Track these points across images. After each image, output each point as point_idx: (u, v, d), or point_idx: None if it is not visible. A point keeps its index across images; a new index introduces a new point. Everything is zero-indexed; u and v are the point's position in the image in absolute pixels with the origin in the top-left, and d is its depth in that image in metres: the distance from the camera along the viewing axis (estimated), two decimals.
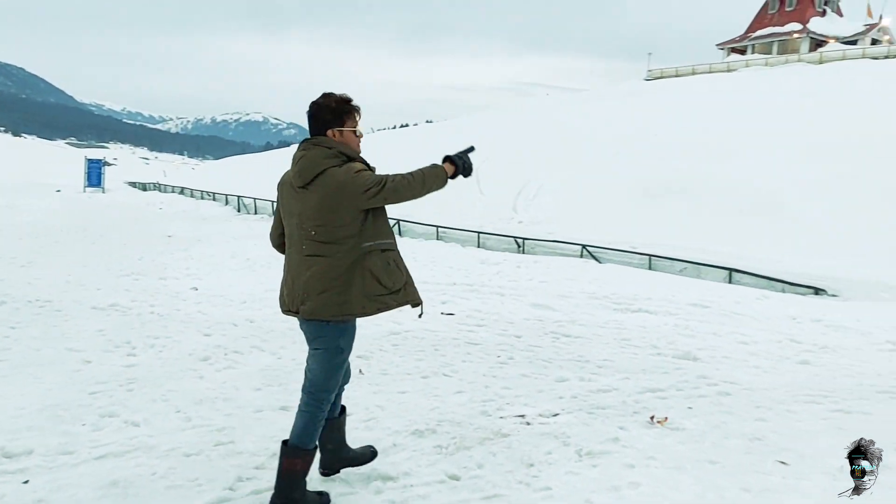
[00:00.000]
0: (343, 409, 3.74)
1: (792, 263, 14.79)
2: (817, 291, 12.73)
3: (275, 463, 3.44)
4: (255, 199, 30.25)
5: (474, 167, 3.42)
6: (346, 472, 3.76)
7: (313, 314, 3.22)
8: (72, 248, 14.29)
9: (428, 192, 3.25)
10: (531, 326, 7.84)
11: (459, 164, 3.33)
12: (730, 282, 14.19)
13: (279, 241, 3.54)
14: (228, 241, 16.59)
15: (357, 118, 3.30)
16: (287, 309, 3.36)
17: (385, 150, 26.32)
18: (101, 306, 8.06)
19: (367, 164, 3.28)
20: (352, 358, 3.55)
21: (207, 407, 4.81)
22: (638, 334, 7.58)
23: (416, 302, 3.39)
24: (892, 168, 19.78)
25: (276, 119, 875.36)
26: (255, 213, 29.42)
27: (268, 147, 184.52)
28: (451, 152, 3.38)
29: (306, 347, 3.43)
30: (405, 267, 3.39)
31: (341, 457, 3.72)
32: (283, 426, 4.32)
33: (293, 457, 3.32)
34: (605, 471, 3.88)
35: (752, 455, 4.15)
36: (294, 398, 4.97)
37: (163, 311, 8.04)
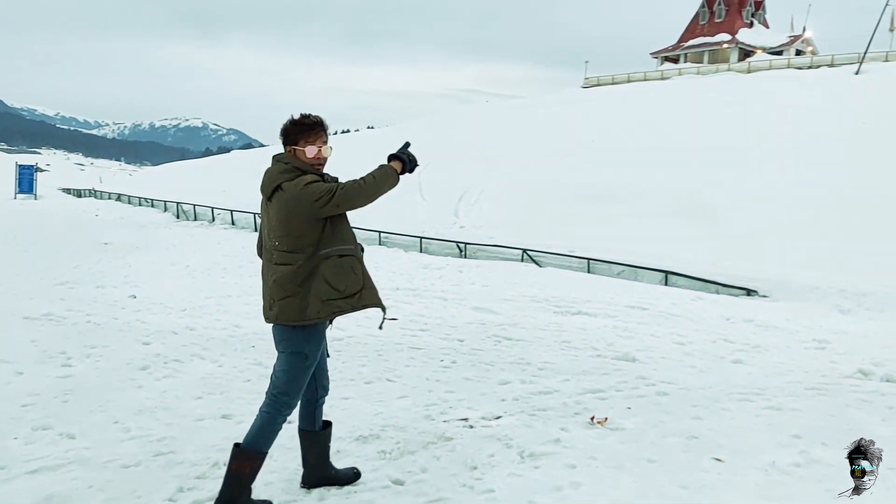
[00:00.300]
0: (327, 424, 3.73)
1: (725, 266, 15.19)
2: (749, 293, 13.11)
3: (217, 472, 3.40)
4: (194, 205, 29.65)
5: (418, 163, 3.53)
6: (289, 479, 3.74)
7: (277, 319, 3.35)
8: (2, 256, 13.81)
9: (382, 192, 3.34)
10: (473, 330, 7.91)
11: (405, 160, 3.45)
12: (666, 284, 14.51)
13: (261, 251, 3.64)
14: (167, 249, 16.27)
15: (315, 138, 3.37)
16: (265, 317, 3.46)
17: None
18: (33, 316, 7.81)
19: (323, 177, 3.37)
20: None
21: (147, 417, 4.72)
22: (578, 336, 7.71)
23: (376, 306, 3.46)
24: (816, 173, 20.51)
25: (215, 125, 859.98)
26: (195, 219, 28.84)
27: (207, 153, 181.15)
28: (393, 151, 3.49)
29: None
30: (365, 272, 3.48)
31: (323, 475, 3.71)
32: (226, 434, 4.27)
33: (242, 459, 3.32)
34: (548, 471, 3.94)
35: (689, 453, 4.27)
36: (235, 406, 4.93)
37: (100, 319, 7.84)
